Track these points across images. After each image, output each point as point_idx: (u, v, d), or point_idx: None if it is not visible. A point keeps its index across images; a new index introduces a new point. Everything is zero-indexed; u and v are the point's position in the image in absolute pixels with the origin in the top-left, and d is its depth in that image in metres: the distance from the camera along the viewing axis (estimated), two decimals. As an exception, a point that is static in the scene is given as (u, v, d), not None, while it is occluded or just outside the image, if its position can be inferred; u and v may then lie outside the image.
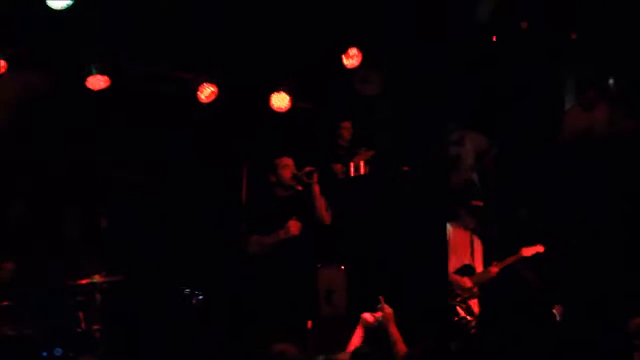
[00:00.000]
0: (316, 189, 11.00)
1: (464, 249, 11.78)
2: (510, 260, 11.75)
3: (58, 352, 11.14)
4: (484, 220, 12.16)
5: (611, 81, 14.12)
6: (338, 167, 13.61)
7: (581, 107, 13.81)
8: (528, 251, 11.71)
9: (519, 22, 9.77)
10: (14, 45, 11.77)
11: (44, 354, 11.12)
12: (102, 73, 12.35)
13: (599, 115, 13.41)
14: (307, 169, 11.00)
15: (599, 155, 13.10)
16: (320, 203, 10.99)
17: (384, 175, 13.00)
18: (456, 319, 11.06)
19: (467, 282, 11.63)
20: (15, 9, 11.31)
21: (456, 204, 12.00)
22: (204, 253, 12.66)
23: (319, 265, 11.78)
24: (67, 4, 10.80)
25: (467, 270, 11.73)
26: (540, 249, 11.72)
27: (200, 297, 11.80)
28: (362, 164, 13.65)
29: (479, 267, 11.93)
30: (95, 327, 11.51)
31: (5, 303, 11.58)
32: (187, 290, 11.93)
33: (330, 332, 11.73)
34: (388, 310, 9.01)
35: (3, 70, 11.68)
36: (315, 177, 11.05)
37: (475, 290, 11.49)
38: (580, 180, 13.01)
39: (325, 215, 11.00)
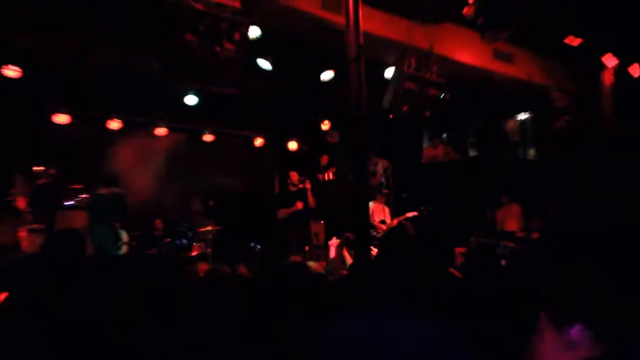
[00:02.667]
0: (309, 192, 11.17)
1: (380, 213, 11.83)
2: (402, 217, 11.82)
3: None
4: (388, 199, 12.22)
5: (444, 135, 14.32)
6: (320, 176, 13.76)
7: (431, 146, 13.95)
8: (410, 214, 11.78)
9: (402, 108, 9.74)
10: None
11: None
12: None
13: (439, 151, 13.55)
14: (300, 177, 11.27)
15: (438, 170, 13.35)
16: (312, 197, 11.15)
17: (340, 179, 13.18)
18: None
19: (383, 227, 11.71)
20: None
21: (374, 192, 12.12)
22: (259, 219, 12.70)
23: (311, 220, 11.86)
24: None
25: (383, 222, 11.81)
26: (416, 213, 11.78)
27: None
28: (331, 174, 13.81)
29: (388, 221, 11.98)
30: (208, 250, 11.53)
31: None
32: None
33: (317, 252, 11.94)
34: (338, 240, 9.17)
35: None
36: (307, 182, 11.26)
37: (387, 231, 11.52)
38: (430, 181, 13.19)
39: (313, 203, 11.16)
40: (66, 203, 10.27)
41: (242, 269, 7.11)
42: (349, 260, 8.54)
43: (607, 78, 11.44)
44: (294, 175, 11.27)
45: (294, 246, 10.91)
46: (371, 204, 11.92)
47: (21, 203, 9.24)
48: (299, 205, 11.09)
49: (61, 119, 11.01)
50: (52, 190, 10.13)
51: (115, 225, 9.67)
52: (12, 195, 9.29)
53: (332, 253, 11.31)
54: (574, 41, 10.04)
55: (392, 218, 11.83)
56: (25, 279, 3.67)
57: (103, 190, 9.67)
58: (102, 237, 9.47)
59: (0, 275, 3.90)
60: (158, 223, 11.90)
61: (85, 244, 3.53)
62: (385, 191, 12.08)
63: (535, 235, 11.04)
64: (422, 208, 11.81)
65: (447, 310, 3.32)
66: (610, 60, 11.08)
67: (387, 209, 11.94)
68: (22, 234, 9.02)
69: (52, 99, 10.92)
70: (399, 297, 2.71)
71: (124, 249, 10.02)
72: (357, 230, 7.98)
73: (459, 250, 8.21)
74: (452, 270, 6.13)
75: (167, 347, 2.91)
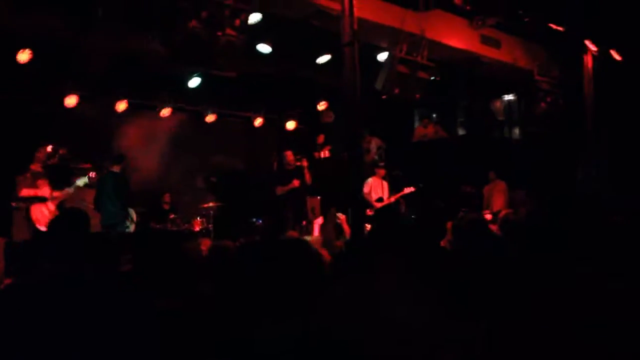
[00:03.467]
0: (306, 170, 11.20)
1: (379, 189, 11.76)
2: (399, 194, 11.78)
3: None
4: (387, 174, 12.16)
5: (434, 116, 14.35)
6: (316, 154, 13.81)
7: (422, 126, 13.97)
8: (408, 190, 11.71)
9: (394, 90, 9.78)
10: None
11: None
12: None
13: (429, 130, 13.59)
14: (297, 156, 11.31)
15: (428, 148, 13.41)
16: (308, 174, 11.15)
17: (336, 157, 13.21)
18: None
19: (378, 205, 11.64)
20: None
21: (372, 168, 12.12)
22: (258, 196, 12.66)
23: (307, 197, 11.87)
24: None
25: (380, 199, 11.78)
26: (412, 189, 11.69)
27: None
28: (327, 152, 13.86)
29: (386, 198, 11.91)
30: (210, 226, 11.53)
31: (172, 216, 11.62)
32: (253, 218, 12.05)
33: (313, 226, 11.97)
34: (342, 216, 9.23)
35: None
36: (304, 160, 11.29)
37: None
38: (420, 159, 13.21)
39: (309, 180, 11.17)
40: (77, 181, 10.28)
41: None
42: (348, 234, 8.62)
43: (589, 62, 11.50)
44: (289, 155, 11.19)
45: (291, 221, 10.93)
46: (370, 179, 11.95)
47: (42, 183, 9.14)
48: (296, 183, 11.04)
49: (71, 101, 11.03)
50: (62, 169, 10.15)
51: (124, 203, 9.71)
52: (29, 171, 9.20)
53: (316, 231, 11.39)
54: (558, 26, 10.08)
55: (390, 194, 11.84)
56: (36, 256, 3.73)
57: (113, 168, 9.74)
58: (111, 215, 9.53)
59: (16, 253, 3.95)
60: (167, 197, 11.85)
61: (89, 222, 3.55)
62: (381, 163, 12.02)
63: (522, 210, 11.12)
64: (419, 185, 11.82)
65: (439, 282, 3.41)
66: (592, 45, 11.14)
67: (385, 184, 11.86)
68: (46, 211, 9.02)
69: (62, 82, 10.93)
70: (391, 270, 2.76)
71: (132, 227, 10.07)
72: (352, 205, 8.08)
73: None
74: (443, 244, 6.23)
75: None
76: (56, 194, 9.13)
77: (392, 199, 11.66)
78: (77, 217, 3.43)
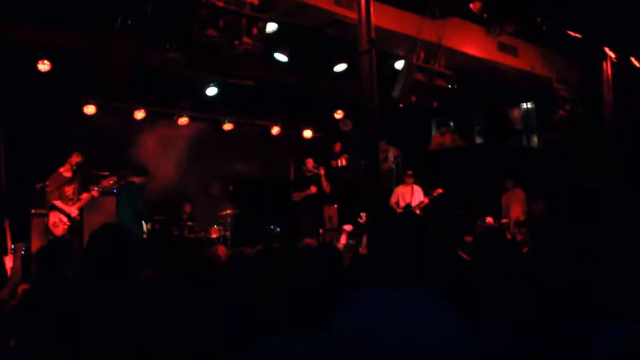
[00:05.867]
0: (323, 178, 11.24)
1: (407, 196, 11.65)
2: (427, 198, 11.65)
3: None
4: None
5: (451, 124, 14.26)
6: (333, 162, 13.79)
7: (439, 134, 13.93)
8: (436, 192, 11.56)
9: (411, 98, 9.75)
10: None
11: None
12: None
13: (447, 138, 13.53)
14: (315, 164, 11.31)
15: (446, 157, 13.34)
16: (325, 182, 11.18)
17: (354, 165, 13.20)
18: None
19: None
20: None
21: (389, 176, 12.09)
22: (275, 204, 12.69)
23: (325, 205, 11.86)
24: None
25: (407, 206, 11.62)
26: (441, 191, 11.56)
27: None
28: (344, 160, 13.85)
29: (417, 201, 11.72)
30: (227, 233, 11.62)
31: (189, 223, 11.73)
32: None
33: (331, 234, 11.97)
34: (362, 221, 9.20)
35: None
36: (321, 168, 11.29)
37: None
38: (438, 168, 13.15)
39: (327, 189, 11.19)
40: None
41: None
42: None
43: (608, 68, 11.41)
44: (310, 162, 11.23)
45: (308, 229, 10.94)
46: (397, 188, 11.90)
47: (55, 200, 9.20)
48: (313, 189, 11.08)
49: (89, 109, 11.12)
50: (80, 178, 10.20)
51: (137, 215, 9.74)
52: (47, 186, 9.27)
53: (344, 239, 11.36)
54: (576, 33, 10.02)
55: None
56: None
57: (132, 179, 9.78)
58: (125, 223, 9.57)
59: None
60: (187, 206, 11.92)
61: (130, 239, 3.41)
62: (409, 172, 11.94)
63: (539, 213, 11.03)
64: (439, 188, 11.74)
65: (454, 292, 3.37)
66: (611, 52, 11.06)
67: (417, 188, 11.74)
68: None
69: (81, 91, 11.02)
70: (404, 279, 2.69)
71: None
72: (370, 212, 8.06)
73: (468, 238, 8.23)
74: (460, 252, 6.18)
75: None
76: (83, 196, 9.24)
77: (425, 201, 11.56)
78: (118, 235, 3.29)
